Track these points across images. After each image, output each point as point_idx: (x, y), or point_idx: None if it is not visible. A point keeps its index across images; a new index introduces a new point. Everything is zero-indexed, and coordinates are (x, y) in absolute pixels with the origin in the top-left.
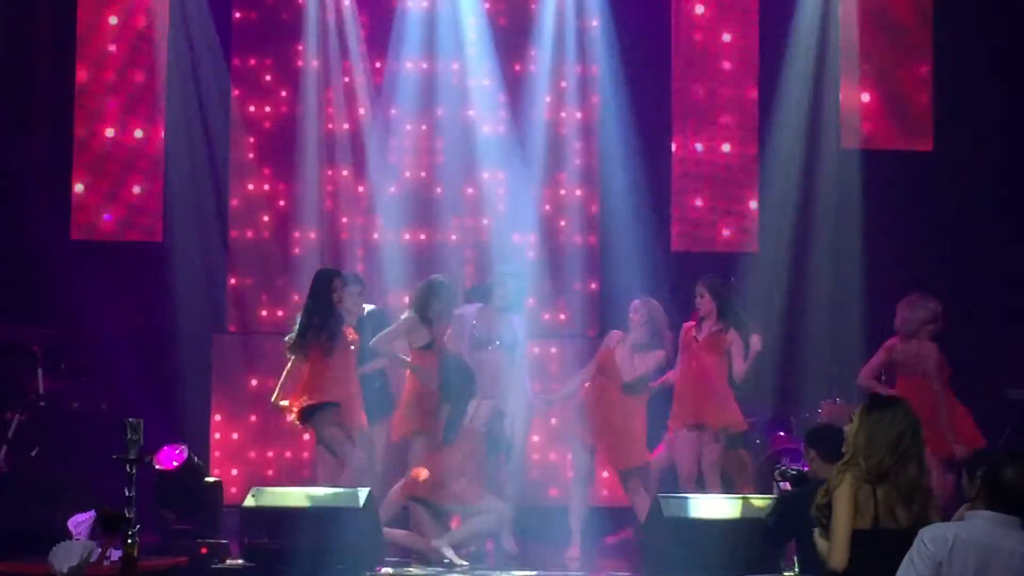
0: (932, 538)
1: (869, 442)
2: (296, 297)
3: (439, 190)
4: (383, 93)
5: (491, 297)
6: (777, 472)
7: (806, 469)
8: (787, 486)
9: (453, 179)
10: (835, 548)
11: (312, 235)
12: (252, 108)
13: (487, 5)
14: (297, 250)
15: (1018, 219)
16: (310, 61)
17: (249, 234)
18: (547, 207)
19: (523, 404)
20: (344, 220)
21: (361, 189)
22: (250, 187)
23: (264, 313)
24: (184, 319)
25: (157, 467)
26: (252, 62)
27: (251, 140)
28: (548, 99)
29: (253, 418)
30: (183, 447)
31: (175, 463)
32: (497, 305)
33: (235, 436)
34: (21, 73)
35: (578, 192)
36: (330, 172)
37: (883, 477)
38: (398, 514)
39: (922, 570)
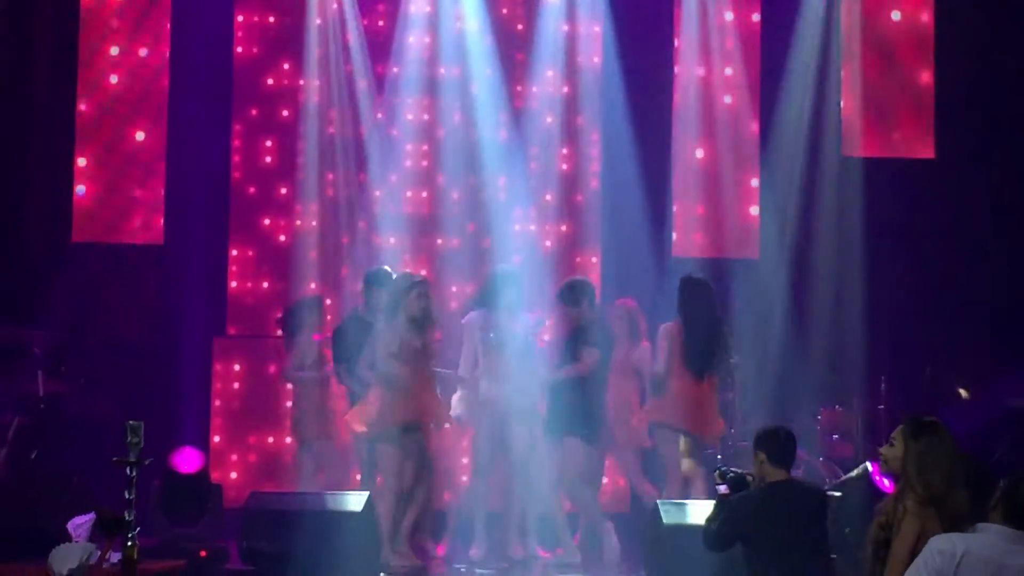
0: (940, 550)
1: (922, 470)
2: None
3: (442, 197)
4: (385, 100)
5: (494, 300)
6: (717, 473)
7: (743, 472)
8: (725, 488)
9: (454, 187)
10: None
11: (313, 239)
12: (255, 112)
13: (492, 14)
14: (298, 254)
15: (1020, 227)
16: (312, 69)
17: (251, 238)
18: (549, 212)
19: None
20: (346, 225)
21: (362, 194)
22: (252, 190)
23: (264, 316)
24: (185, 322)
25: (177, 469)
26: (255, 68)
27: (253, 144)
28: (549, 105)
29: (253, 422)
30: (198, 452)
31: (192, 467)
32: (500, 306)
33: (234, 440)
34: (22, 74)
35: (579, 197)
36: (331, 176)
37: (938, 502)
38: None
39: None
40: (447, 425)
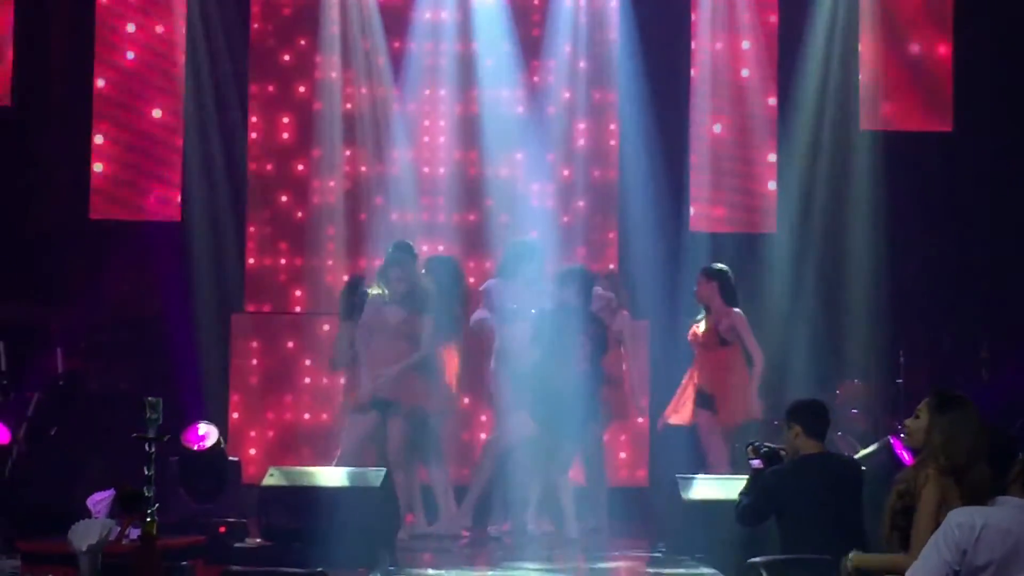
0: (959, 524)
1: (946, 442)
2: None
3: (459, 173)
4: (402, 76)
5: (513, 271)
6: (749, 448)
7: (776, 446)
8: (759, 463)
9: (471, 162)
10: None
11: (330, 215)
12: (271, 88)
13: None
14: (315, 230)
15: None
16: (329, 45)
17: (267, 214)
18: (565, 187)
19: None
20: (363, 201)
21: (379, 170)
22: (268, 167)
23: (282, 293)
24: (202, 299)
25: (187, 446)
26: (272, 44)
27: (270, 120)
28: (566, 80)
29: (271, 398)
30: (211, 427)
31: (202, 444)
32: (518, 277)
33: (253, 416)
34: (39, 52)
35: (596, 172)
36: (348, 152)
37: (959, 473)
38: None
39: (946, 555)
40: (449, 405)
